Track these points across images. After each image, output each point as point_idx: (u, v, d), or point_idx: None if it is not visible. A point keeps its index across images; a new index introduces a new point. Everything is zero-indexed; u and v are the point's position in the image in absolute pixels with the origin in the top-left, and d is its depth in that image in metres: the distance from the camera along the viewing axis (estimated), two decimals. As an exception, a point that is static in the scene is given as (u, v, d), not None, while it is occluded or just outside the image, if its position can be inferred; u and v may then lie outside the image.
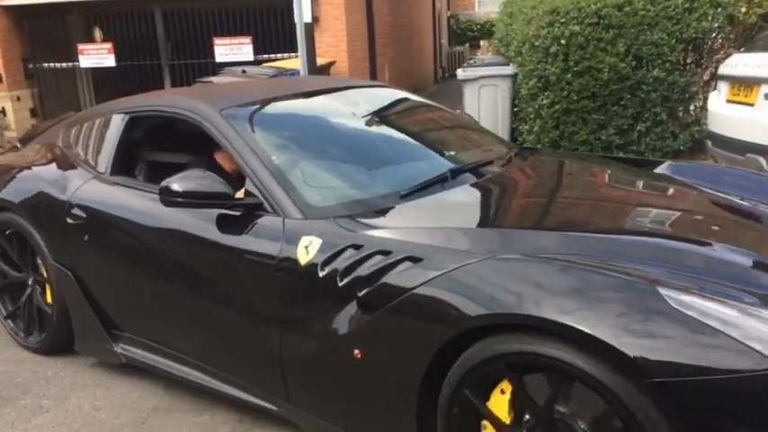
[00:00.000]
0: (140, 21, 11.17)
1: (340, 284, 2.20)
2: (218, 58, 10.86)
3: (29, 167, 3.55)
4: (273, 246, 2.40)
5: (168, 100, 3.29)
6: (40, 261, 3.43)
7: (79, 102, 12.27)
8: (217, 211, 2.58)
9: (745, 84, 4.74)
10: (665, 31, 6.48)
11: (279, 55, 10.73)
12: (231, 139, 2.74)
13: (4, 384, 3.32)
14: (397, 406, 2.12)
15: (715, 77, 5.84)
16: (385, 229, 2.31)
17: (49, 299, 3.43)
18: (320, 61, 9.46)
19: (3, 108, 10.97)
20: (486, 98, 7.70)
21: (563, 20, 6.70)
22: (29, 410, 3.08)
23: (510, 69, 7.63)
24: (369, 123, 3.25)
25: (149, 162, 3.31)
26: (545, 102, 6.81)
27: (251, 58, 10.63)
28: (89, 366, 3.44)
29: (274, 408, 2.58)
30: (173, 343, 2.97)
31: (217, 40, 10.84)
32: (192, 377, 2.88)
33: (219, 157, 3.14)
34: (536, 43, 6.87)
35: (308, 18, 7.40)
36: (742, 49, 5.45)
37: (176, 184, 2.49)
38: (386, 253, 2.15)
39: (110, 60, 11.22)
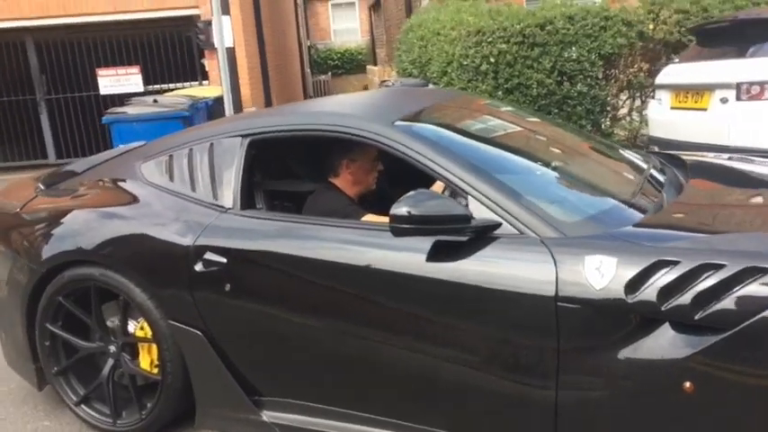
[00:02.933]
0: (10, 53, 10.10)
1: (662, 308, 1.90)
2: (103, 90, 10.14)
3: (105, 209, 2.87)
4: (542, 272, 2.05)
5: (312, 117, 2.88)
6: (137, 323, 2.83)
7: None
8: (429, 240, 2.19)
9: (693, 90, 5.18)
10: (584, 48, 6.94)
11: (173, 85, 10.19)
12: (430, 156, 2.38)
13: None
14: None
15: (642, 89, 6.32)
16: (687, 240, 2.09)
17: (146, 365, 2.82)
18: (218, 91, 9.09)
19: None
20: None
21: (489, 39, 6.97)
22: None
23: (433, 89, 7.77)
24: (534, 137, 3.05)
25: (268, 191, 2.84)
26: (480, 118, 7.01)
27: (141, 88, 10.01)
28: None
29: None
30: (357, 402, 2.47)
31: (100, 71, 10.10)
32: None
33: (340, 181, 2.89)
34: (464, 63, 7.08)
35: (229, 43, 7.08)
36: (676, 60, 5.97)
37: (411, 208, 2.12)
38: (717, 267, 1.88)
39: (-27, 97, 10.04)
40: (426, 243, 2.21)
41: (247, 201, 2.70)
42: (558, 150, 3.01)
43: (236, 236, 2.58)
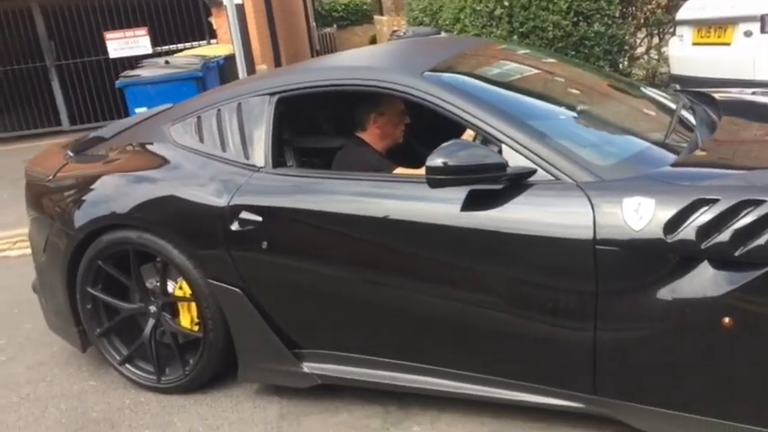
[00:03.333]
0: (17, 21, 10.03)
1: (702, 246, 1.92)
2: (112, 54, 10.05)
3: (138, 173, 2.90)
4: (579, 216, 2.06)
5: (340, 72, 2.83)
6: (176, 283, 2.87)
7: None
8: (464, 190, 2.21)
9: (716, 25, 5.06)
10: (601, -15, 6.75)
11: (181, 45, 10.10)
12: (462, 106, 2.37)
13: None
14: None
15: (661, 26, 6.18)
16: (724, 177, 2.11)
17: (187, 323, 2.89)
18: (228, 49, 9.00)
19: None
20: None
21: (504, -18, 6.80)
22: (128, 446, 2.69)
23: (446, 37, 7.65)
24: (559, 81, 3.01)
25: (296, 149, 2.86)
26: (496, 64, 6.91)
27: (149, 50, 9.92)
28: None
29: (566, 402, 2.26)
30: (395, 351, 2.52)
31: (108, 35, 10.00)
32: (429, 385, 2.47)
33: (368, 135, 2.90)
34: (477, 8, 6.93)
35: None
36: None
37: (447, 159, 2.13)
38: (757, 203, 1.88)
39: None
40: (461, 193, 2.22)
41: (278, 159, 2.73)
42: (585, 93, 2.98)
43: (270, 194, 2.60)
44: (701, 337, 1.98)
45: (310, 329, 2.69)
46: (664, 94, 3.11)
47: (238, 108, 2.83)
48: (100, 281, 2.97)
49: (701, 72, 5.17)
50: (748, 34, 4.69)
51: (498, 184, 2.18)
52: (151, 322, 2.98)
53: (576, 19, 6.75)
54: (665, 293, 1.99)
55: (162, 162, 2.90)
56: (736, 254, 1.89)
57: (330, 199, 2.50)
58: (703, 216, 1.93)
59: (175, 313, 2.93)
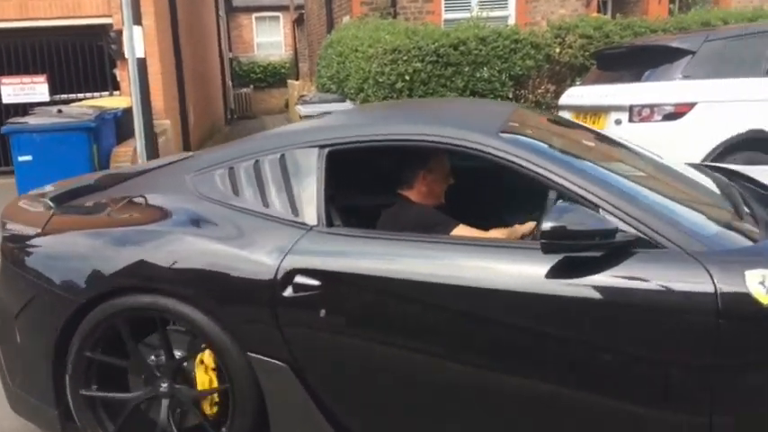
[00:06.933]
0: None
1: None
2: (6, 99, 9.66)
3: (154, 226, 2.50)
4: (696, 288, 1.93)
5: (403, 127, 2.57)
6: (208, 358, 2.45)
7: None
8: (554, 258, 2.02)
9: (591, 112, 5.42)
10: (495, 68, 7.16)
11: (81, 95, 9.82)
12: (547, 166, 2.19)
13: None
14: None
15: (550, 109, 6.57)
16: None
17: (210, 410, 2.47)
18: (128, 101, 8.84)
19: None
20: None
21: (405, 57, 7.11)
22: None
23: (351, 105, 7.83)
24: (613, 151, 2.88)
25: (341, 206, 2.59)
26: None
27: (46, 98, 9.58)
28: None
29: None
30: None
31: (4, 79, 9.62)
32: None
33: (414, 193, 2.74)
34: (380, 80, 7.18)
35: (140, 53, 6.89)
36: (578, 83, 6.22)
37: (564, 223, 1.95)
38: None
39: None
40: (551, 260, 2.03)
41: (333, 217, 2.47)
42: (639, 164, 2.82)
43: (329, 256, 2.30)
44: None
45: (371, 415, 2.33)
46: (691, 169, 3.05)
47: (282, 160, 2.54)
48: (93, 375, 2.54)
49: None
50: (618, 122, 5.04)
51: (605, 251, 2.00)
52: (164, 404, 2.50)
53: (472, 97, 7.09)
54: None
55: (186, 216, 2.52)
56: None
57: (400, 262, 2.24)
58: None
59: (191, 381, 2.50)
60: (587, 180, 2.15)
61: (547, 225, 1.97)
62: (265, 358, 2.31)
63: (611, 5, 10.42)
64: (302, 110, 7.81)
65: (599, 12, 9.95)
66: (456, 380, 2.16)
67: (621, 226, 2.03)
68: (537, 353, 2.07)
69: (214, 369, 2.44)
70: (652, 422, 2.00)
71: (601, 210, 2.08)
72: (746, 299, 1.90)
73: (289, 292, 2.26)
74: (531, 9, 9.69)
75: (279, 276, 2.27)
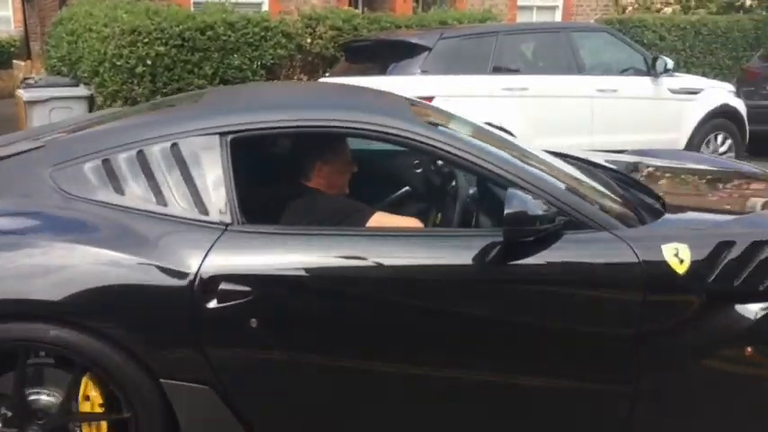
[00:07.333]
0: None
1: (735, 284, 2.12)
2: None
3: (21, 239, 2.06)
4: (625, 262, 2.10)
5: (314, 113, 2.39)
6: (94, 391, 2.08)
7: None
8: (484, 240, 2.11)
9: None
10: (246, 56, 6.92)
11: None
12: (477, 153, 2.23)
13: None
14: None
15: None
16: (717, 226, 2.32)
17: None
18: None
19: None
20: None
21: (146, 40, 6.56)
22: None
23: (84, 90, 7.04)
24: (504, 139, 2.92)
25: (246, 198, 2.24)
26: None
27: None
28: None
29: None
30: None
31: None
32: None
33: (312, 185, 2.55)
34: (118, 63, 6.55)
35: None
36: (327, 74, 6.21)
37: (524, 208, 1.99)
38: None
39: None
40: (481, 243, 2.10)
41: (247, 210, 2.19)
42: (519, 151, 2.90)
43: (255, 256, 2.08)
44: (731, 370, 2.20)
45: (309, 425, 2.20)
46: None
47: (175, 149, 2.19)
48: None
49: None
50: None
51: (545, 234, 2.10)
52: None
53: (220, 85, 6.76)
54: (698, 332, 2.15)
55: (56, 221, 2.12)
56: (761, 288, 2.14)
57: (342, 258, 2.10)
58: (727, 259, 2.13)
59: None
60: (513, 167, 2.26)
61: (509, 211, 2.00)
62: (181, 383, 2.06)
63: (361, 1, 10.69)
64: (25, 95, 6.84)
65: (350, 6, 10.17)
66: (414, 391, 2.16)
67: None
68: (473, 339, 2.13)
69: (101, 405, 2.10)
70: (582, 395, 2.18)
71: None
72: (666, 269, 2.10)
73: (213, 303, 2.01)
74: (284, -2, 9.58)
75: (198, 286, 2.00)
